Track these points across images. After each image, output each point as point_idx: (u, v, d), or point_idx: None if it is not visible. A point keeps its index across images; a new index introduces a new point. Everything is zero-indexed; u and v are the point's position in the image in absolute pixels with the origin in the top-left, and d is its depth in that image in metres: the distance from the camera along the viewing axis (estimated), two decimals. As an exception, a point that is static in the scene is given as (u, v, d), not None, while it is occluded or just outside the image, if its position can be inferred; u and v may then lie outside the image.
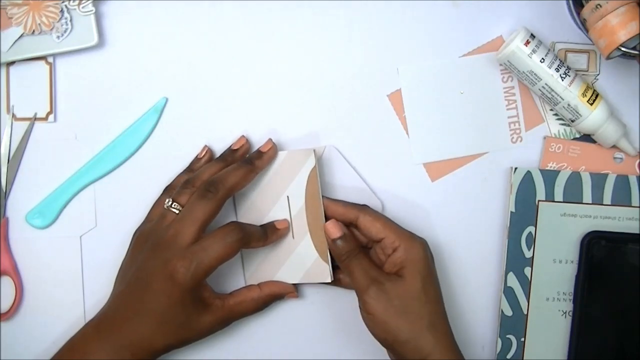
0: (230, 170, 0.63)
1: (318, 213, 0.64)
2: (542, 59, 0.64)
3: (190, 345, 0.63)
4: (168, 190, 0.66)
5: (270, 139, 0.66)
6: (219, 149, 0.67)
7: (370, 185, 0.68)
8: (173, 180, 0.66)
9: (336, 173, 0.68)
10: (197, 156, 0.67)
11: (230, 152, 0.66)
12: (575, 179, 0.67)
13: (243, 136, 0.66)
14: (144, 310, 0.60)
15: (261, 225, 0.65)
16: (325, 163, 0.67)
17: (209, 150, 0.67)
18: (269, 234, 0.64)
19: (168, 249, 0.60)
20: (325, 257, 0.64)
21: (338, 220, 0.64)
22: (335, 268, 0.65)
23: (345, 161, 0.67)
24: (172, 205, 0.62)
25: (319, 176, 0.65)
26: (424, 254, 0.63)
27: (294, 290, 0.66)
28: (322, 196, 0.65)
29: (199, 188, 0.62)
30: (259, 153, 0.65)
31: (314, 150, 0.65)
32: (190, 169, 0.66)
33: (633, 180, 0.67)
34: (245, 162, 0.64)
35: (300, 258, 0.65)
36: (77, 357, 0.60)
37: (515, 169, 0.67)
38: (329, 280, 0.65)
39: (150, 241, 0.62)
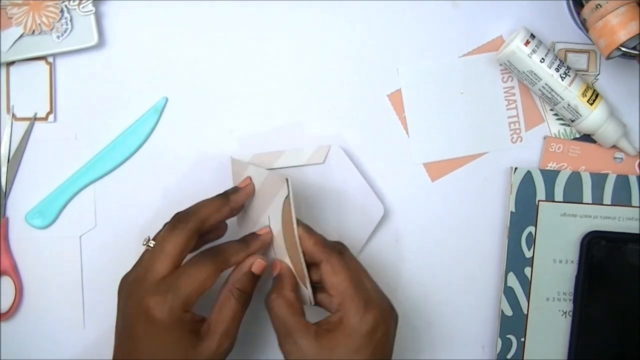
0: (204, 201, 0.61)
1: (294, 241, 0.61)
2: (542, 59, 0.64)
3: None
4: None
5: (248, 177, 0.63)
6: (218, 148, 0.67)
7: (372, 185, 0.68)
8: None
9: (340, 173, 0.67)
10: None
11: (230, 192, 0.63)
12: (575, 179, 0.67)
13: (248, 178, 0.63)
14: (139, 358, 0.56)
15: (240, 238, 0.62)
16: (330, 163, 0.67)
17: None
18: (250, 243, 0.61)
19: (141, 287, 0.56)
20: (304, 281, 0.61)
21: (305, 255, 0.60)
22: (314, 290, 0.61)
23: (349, 162, 0.67)
24: (149, 243, 0.59)
25: (293, 205, 0.59)
26: (359, 333, 0.57)
27: (257, 258, 0.61)
28: (301, 224, 0.60)
29: (171, 220, 0.59)
30: (236, 188, 0.63)
31: (287, 180, 0.59)
32: None
33: (633, 180, 0.67)
34: (219, 195, 0.62)
35: None
36: None
37: (515, 169, 0.67)
38: (310, 304, 0.62)
39: (128, 284, 0.58)
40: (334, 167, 0.67)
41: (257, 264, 0.60)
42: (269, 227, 0.62)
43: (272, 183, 0.61)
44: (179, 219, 0.59)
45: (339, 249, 0.60)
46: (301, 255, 0.60)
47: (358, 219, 0.67)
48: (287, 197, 0.59)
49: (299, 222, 0.60)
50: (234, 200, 0.62)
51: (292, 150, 0.66)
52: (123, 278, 0.60)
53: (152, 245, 0.59)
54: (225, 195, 0.62)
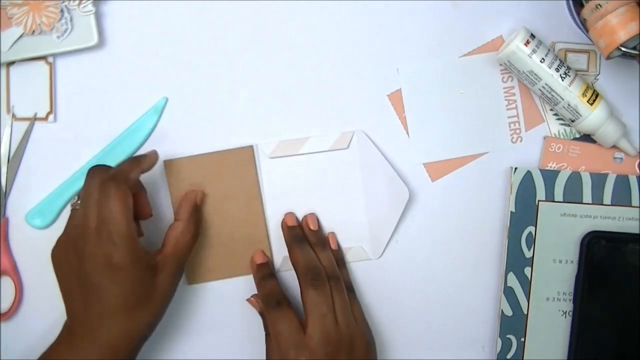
0: (125, 160, 0.63)
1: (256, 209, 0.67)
2: (542, 59, 0.64)
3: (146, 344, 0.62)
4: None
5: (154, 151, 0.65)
6: (218, 148, 0.67)
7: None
8: None
9: (364, 158, 0.67)
10: None
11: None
12: (575, 179, 0.67)
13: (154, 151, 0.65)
14: (107, 311, 0.58)
15: (129, 159, 0.64)
16: (353, 148, 0.67)
17: None
18: (141, 159, 0.63)
19: (86, 243, 0.58)
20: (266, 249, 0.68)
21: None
22: None
23: (373, 146, 0.67)
24: (75, 201, 0.62)
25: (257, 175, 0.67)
26: (317, 354, 0.61)
27: (198, 192, 0.66)
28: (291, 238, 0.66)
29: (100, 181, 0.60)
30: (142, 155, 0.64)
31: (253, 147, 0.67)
32: None
33: (633, 180, 0.67)
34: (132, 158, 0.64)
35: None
36: None
37: (515, 169, 0.67)
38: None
39: (70, 246, 0.60)
40: (358, 152, 0.67)
41: (200, 195, 0.66)
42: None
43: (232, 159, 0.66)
44: (98, 169, 0.60)
45: (313, 283, 0.62)
46: (266, 225, 0.67)
47: (385, 203, 0.67)
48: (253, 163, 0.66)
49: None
50: (144, 161, 0.63)
51: (316, 136, 0.67)
52: (57, 243, 0.61)
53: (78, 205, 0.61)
54: (137, 158, 0.63)
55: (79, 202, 0.60)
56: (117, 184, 0.59)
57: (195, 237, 0.65)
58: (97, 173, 0.60)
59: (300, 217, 0.68)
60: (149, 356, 0.68)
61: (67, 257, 0.60)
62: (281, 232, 0.67)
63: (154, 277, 0.60)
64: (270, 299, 0.63)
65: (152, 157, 0.64)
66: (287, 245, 0.66)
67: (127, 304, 0.58)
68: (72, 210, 0.62)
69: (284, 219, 0.67)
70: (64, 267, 0.60)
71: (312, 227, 0.67)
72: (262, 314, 0.66)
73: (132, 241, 0.59)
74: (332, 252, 0.67)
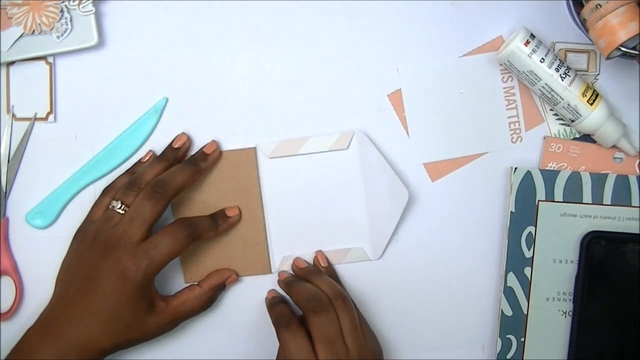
0: (176, 170, 0.63)
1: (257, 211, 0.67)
2: (542, 59, 0.64)
3: (147, 344, 0.64)
4: (109, 191, 0.65)
5: (214, 141, 0.66)
6: (220, 148, 0.67)
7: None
8: (114, 182, 0.66)
9: (364, 159, 0.67)
10: (139, 160, 0.67)
11: (171, 150, 0.66)
12: (575, 179, 0.67)
13: (184, 133, 0.66)
14: (93, 309, 0.60)
15: (211, 215, 0.65)
16: (354, 149, 0.67)
17: (153, 155, 0.66)
18: (220, 223, 0.65)
19: (118, 248, 0.60)
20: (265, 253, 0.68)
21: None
22: None
23: (374, 147, 0.67)
24: (118, 207, 0.62)
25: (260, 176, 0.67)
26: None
27: (233, 274, 0.67)
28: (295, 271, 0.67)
29: (146, 189, 0.62)
30: (204, 154, 0.65)
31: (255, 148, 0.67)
32: (131, 171, 0.66)
33: (633, 180, 0.67)
34: (190, 163, 0.65)
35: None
36: None
37: (515, 169, 0.67)
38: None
39: (97, 241, 0.62)
40: (358, 153, 0.67)
41: (231, 279, 0.67)
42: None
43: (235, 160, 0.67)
44: (155, 188, 0.62)
45: (314, 310, 0.62)
46: (266, 228, 0.67)
47: (385, 203, 0.67)
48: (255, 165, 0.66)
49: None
50: (204, 167, 0.65)
51: (317, 136, 0.67)
52: (83, 231, 0.64)
53: (120, 210, 0.62)
54: (195, 163, 0.65)
55: (123, 207, 0.62)
56: (188, 243, 0.62)
57: (203, 309, 0.65)
58: (186, 228, 0.62)
59: (298, 220, 0.68)
60: (149, 356, 0.68)
61: (92, 247, 0.62)
62: (280, 233, 0.67)
63: (147, 314, 0.62)
64: (281, 319, 0.63)
65: (215, 156, 0.66)
66: (286, 291, 0.66)
67: (110, 316, 0.60)
68: (110, 211, 0.62)
69: (278, 283, 0.68)
70: (83, 253, 0.62)
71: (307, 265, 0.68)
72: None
73: (153, 275, 0.61)
74: (327, 271, 0.67)
